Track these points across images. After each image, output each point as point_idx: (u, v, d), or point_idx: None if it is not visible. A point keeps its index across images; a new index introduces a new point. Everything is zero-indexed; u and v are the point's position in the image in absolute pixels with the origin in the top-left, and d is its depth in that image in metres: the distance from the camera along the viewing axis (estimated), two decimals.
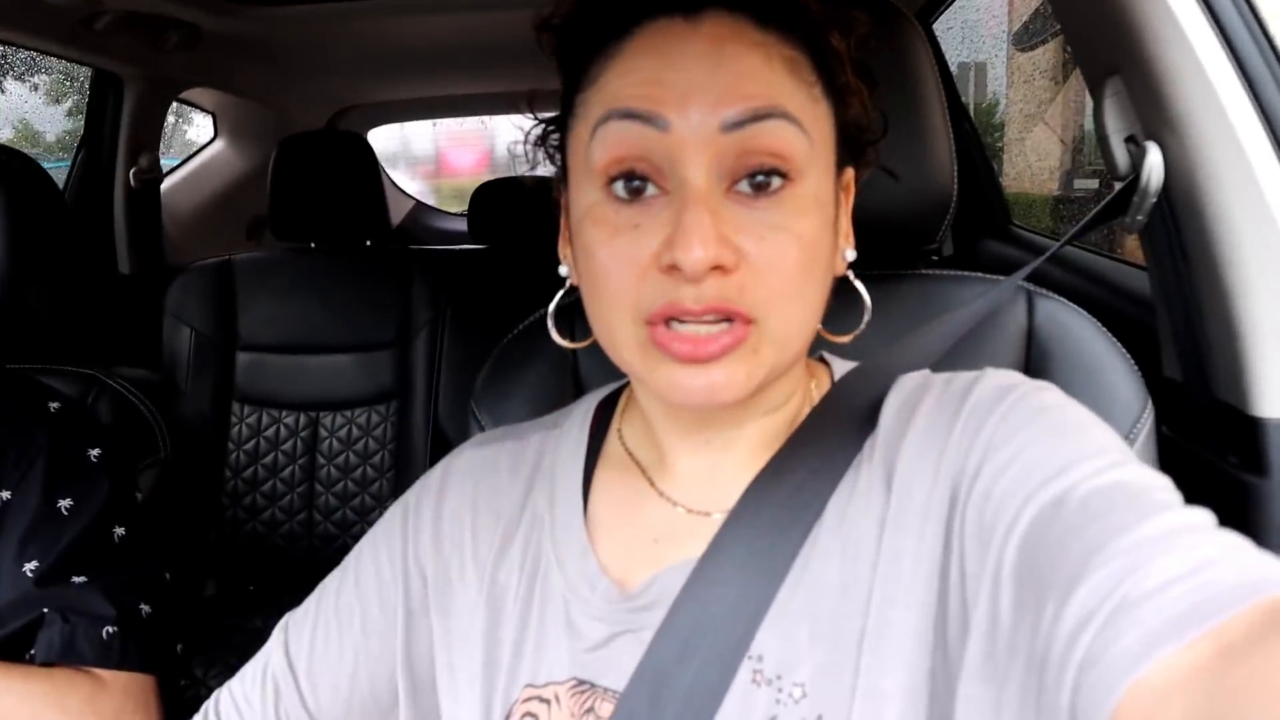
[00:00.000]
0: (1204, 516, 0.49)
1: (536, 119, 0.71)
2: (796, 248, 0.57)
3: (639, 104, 0.57)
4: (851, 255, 0.67)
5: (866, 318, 0.69)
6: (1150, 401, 0.83)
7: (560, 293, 0.72)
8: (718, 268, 0.55)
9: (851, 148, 0.66)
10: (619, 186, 0.58)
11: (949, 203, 0.85)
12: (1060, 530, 0.49)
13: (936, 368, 0.69)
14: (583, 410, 0.75)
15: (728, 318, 0.57)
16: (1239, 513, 0.87)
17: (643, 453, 0.71)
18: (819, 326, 0.65)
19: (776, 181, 0.57)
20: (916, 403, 0.63)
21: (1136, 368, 0.83)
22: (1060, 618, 0.46)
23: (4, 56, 2.67)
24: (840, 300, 0.68)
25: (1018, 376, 0.62)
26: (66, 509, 1.00)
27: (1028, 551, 0.50)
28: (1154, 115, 0.89)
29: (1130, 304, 1.32)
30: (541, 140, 0.71)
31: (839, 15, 0.62)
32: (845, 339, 0.69)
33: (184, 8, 2.04)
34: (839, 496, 0.62)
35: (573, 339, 0.75)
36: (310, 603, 0.76)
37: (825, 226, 0.60)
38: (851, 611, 0.58)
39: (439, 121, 4.41)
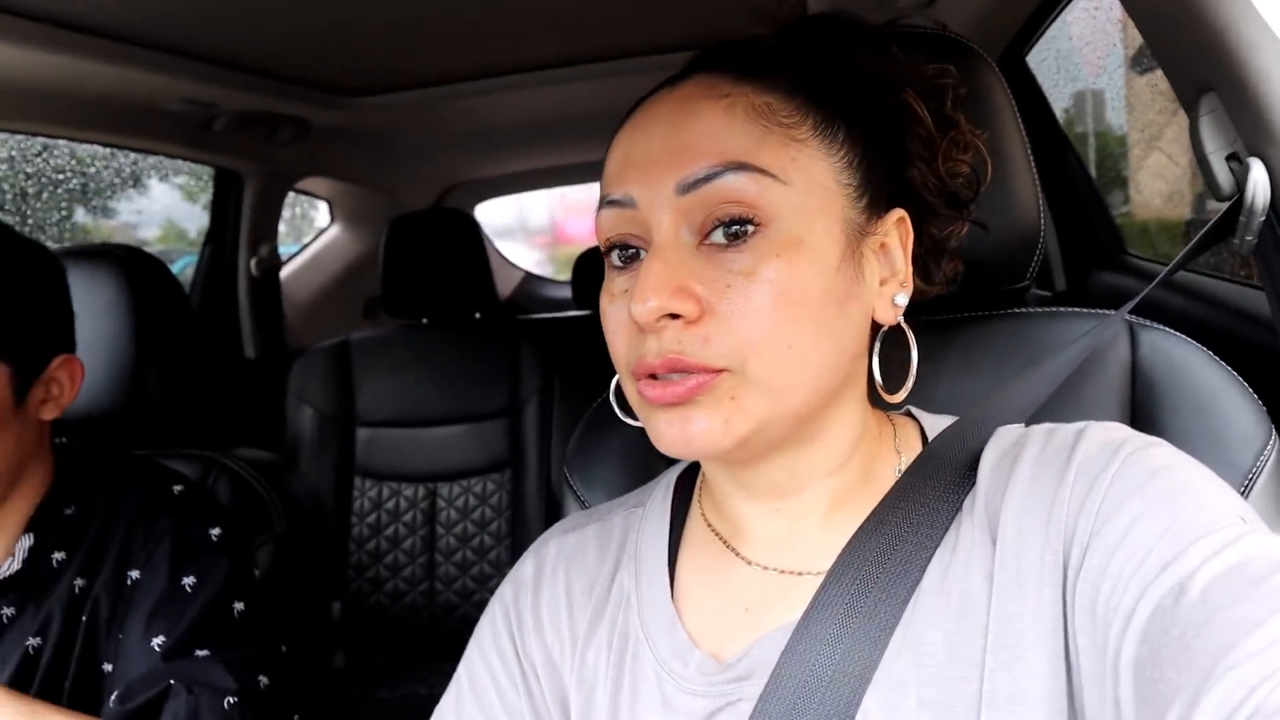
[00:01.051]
0: None
1: None
2: (770, 292, 0.56)
3: (614, 189, 0.61)
4: (903, 300, 0.64)
5: (913, 369, 0.66)
6: (1275, 432, 0.77)
7: None
8: (675, 316, 0.56)
9: (891, 187, 0.64)
10: (615, 256, 0.63)
11: (1036, 240, 0.82)
12: (1182, 626, 0.46)
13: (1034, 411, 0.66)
14: (664, 487, 0.75)
15: (689, 372, 0.57)
16: None
17: (721, 524, 0.70)
18: (879, 382, 0.64)
19: (749, 229, 0.57)
20: (1016, 456, 0.60)
21: (1257, 397, 0.78)
22: None
23: (154, 164, 2.86)
24: (900, 348, 0.66)
25: (1125, 430, 0.59)
26: (190, 586, 1.05)
27: (1148, 646, 0.48)
28: (1254, 130, 0.84)
29: (1262, 330, 1.24)
30: None
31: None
32: (897, 398, 0.65)
33: (292, 104, 2.16)
34: (941, 554, 0.60)
35: None
36: None
37: (820, 270, 0.58)
38: (963, 675, 0.55)
39: (553, 191, 4.50)
